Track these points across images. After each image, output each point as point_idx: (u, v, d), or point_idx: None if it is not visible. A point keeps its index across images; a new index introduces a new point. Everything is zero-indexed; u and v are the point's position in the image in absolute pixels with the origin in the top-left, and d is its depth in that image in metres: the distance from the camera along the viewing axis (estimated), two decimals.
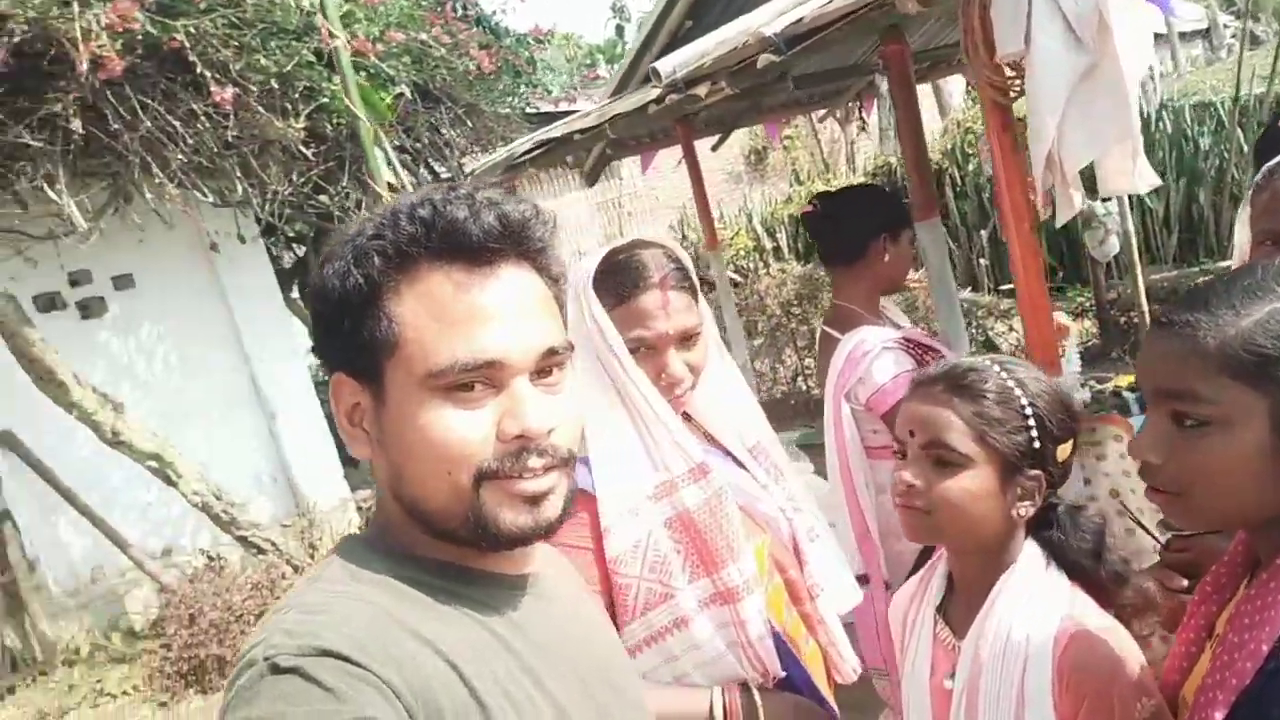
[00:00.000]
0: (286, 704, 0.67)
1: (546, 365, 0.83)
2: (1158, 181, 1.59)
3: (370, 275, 0.80)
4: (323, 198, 5.49)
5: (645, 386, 1.40)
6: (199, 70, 4.55)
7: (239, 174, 4.94)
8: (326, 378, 0.87)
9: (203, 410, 5.99)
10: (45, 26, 4.15)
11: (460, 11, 6.42)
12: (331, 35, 2.96)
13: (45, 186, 4.38)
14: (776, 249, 9.40)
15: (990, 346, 6.04)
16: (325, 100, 5.10)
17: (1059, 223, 1.69)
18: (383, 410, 0.81)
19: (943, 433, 1.23)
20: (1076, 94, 1.57)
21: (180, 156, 4.75)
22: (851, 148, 12.75)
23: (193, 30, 4.51)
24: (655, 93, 2.25)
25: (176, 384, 5.95)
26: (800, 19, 1.81)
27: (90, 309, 5.74)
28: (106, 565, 5.55)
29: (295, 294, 7.13)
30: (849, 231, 2.23)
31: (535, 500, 0.82)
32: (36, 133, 4.37)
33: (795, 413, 6.19)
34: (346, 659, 0.70)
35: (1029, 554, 1.25)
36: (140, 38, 4.35)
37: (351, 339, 0.81)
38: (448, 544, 0.84)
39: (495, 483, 0.80)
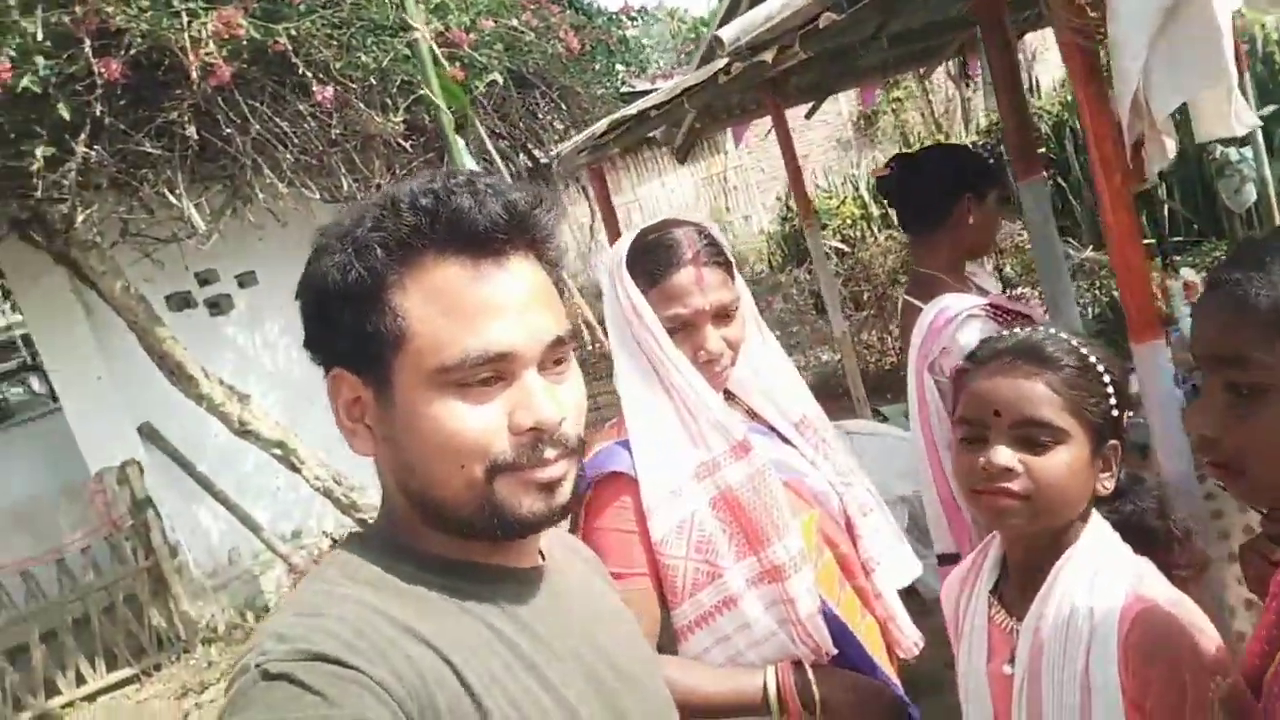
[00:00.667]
0: (278, 711, 0.67)
1: (554, 355, 0.83)
2: (1257, 122, 1.45)
3: (374, 268, 0.78)
4: None
5: (684, 366, 1.40)
6: (301, 71, 4.72)
7: (344, 170, 5.11)
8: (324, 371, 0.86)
9: (324, 399, 6.25)
10: (158, 38, 4.37)
11: None
12: (407, 28, 3.00)
13: (166, 191, 4.63)
14: (885, 216, 9.10)
15: (1114, 308, 5.70)
16: (422, 93, 5.21)
17: (1150, 174, 1.56)
18: (389, 405, 0.80)
19: (1037, 408, 1.17)
20: (1162, 32, 1.44)
21: (289, 156, 4.95)
22: (966, 105, 12.23)
23: (294, 33, 4.68)
24: (723, 63, 2.19)
25: (299, 375, 6.24)
26: None
27: (218, 306, 6.08)
28: (242, 548, 5.90)
29: None
30: (930, 194, 2.12)
31: (550, 488, 0.82)
32: (155, 140, 4.63)
33: (902, 384, 6.00)
34: (338, 661, 0.70)
35: (1094, 528, 1.19)
36: (245, 43, 4.54)
37: (353, 333, 0.79)
38: (455, 538, 0.83)
39: (510, 474, 0.80)
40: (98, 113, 4.31)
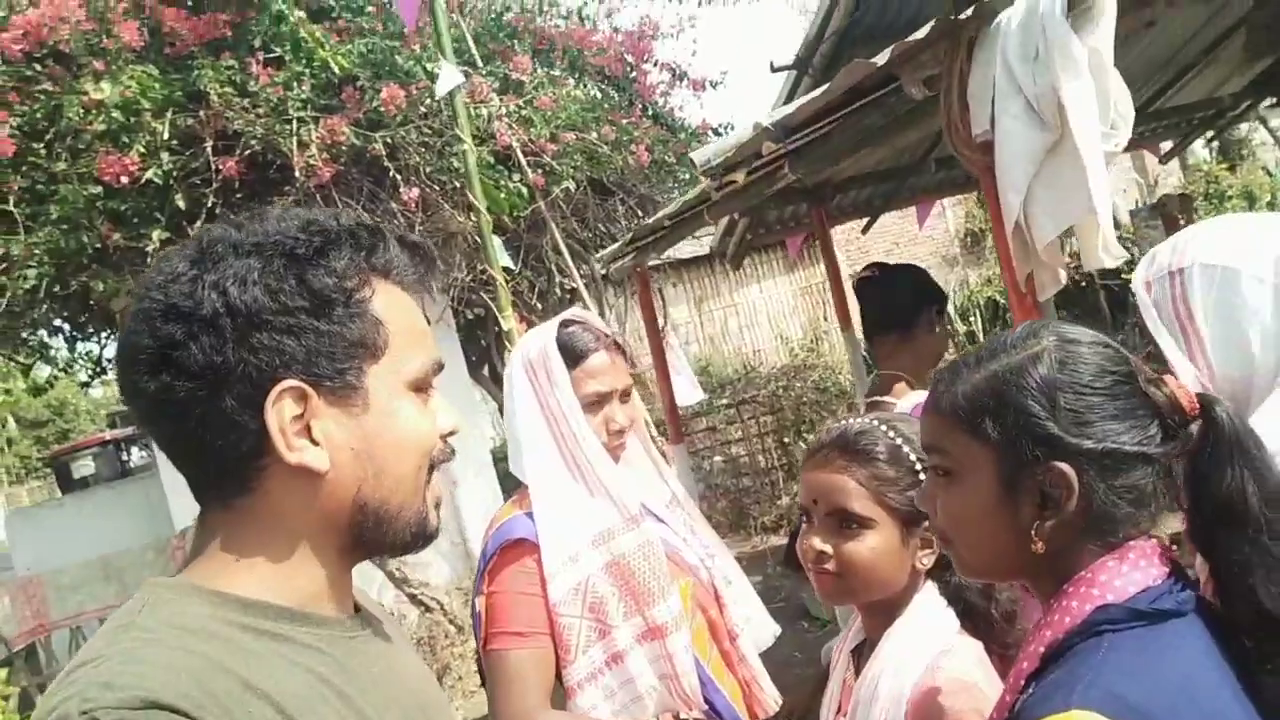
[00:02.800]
0: None
1: None
2: (1125, 255, 1.53)
3: (363, 278, 0.83)
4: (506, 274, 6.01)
5: (592, 444, 1.57)
6: (393, 174, 5.19)
7: None
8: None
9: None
10: (271, 141, 4.92)
11: (642, 109, 6.86)
12: (459, 139, 3.34)
13: None
14: (970, 333, 9.05)
15: None
16: (503, 197, 5.63)
17: (1040, 299, 1.65)
18: (360, 411, 0.82)
19: (843, 498, 1.30)
20: (1041, 171, 1.56)
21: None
22: None
23: (389, 140, 5.17)
24: (704, 184, 2.40)
25: None
26: (797, 108, 1.91)
27: None
28: None
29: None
30: (903, 300, 2.30)
31: (437, 506, 0.90)
32: None
33: None
34: (177, 710, 0.68)
35: (921, 599, 1.29)
36: (346, 148, 5.04)
37: (327, 340, 0.80)
38: (356, 555, 0.86)
39: (430, 478, 0.88)
40: (210, 203, 4.85)
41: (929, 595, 1.29)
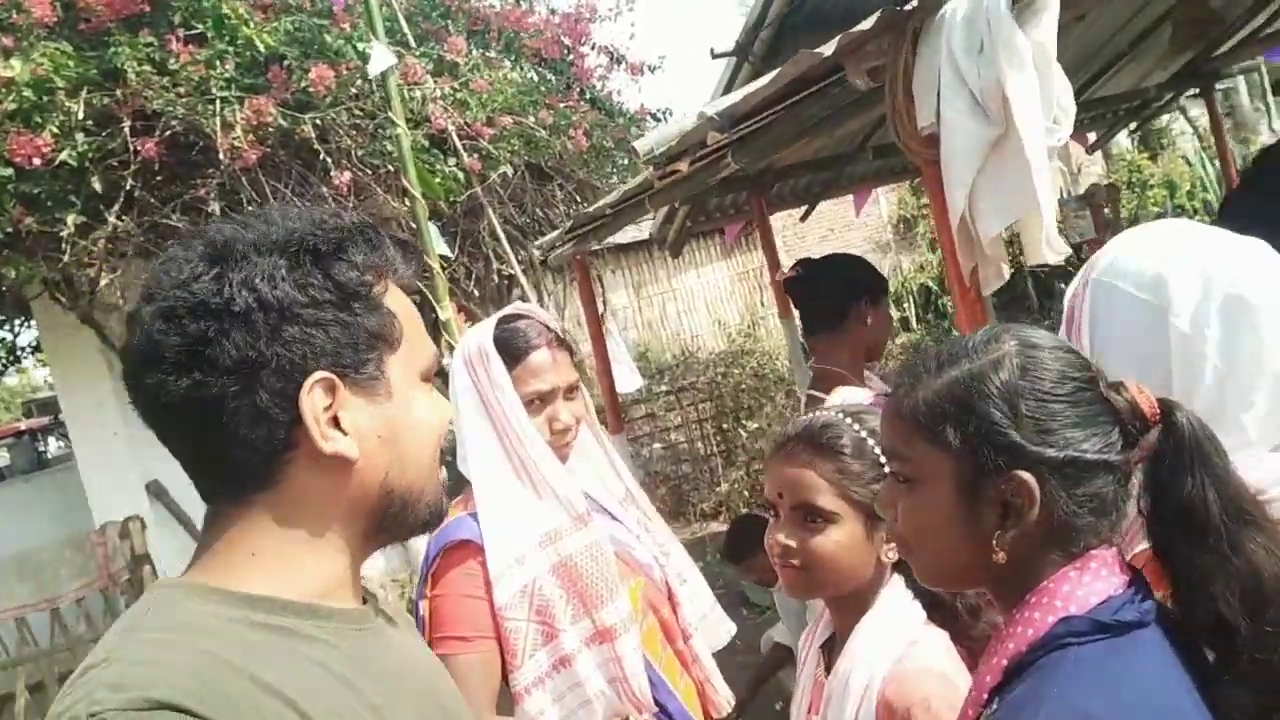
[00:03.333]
0: None
1: None
2: (1067, 251, 1.54)
3: (378, 273, 0.86)
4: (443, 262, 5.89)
5: (536, 444, 1.53)
6: (323, 157, 5.04)
7: None
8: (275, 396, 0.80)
9: None
10: (193, 122, 4.72)
11: (579, 93, 6.78)
12: (392, 122, 3.25)
13: None
14: (905, 319, 9.18)
15: None
16: (438, 181, 5.50)
17: (984, 293, 1.66)
18: (384, 399, 0.85)
19: (808, 493, 1.29)
20: (986, 166, 1.56)
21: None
22: None
23: (319, 122, 5.01)
24: (648, 171, 2.36)
25: None
26: (742, 97, 1.88)
27: None
28: None
29: None
30: (830, 296, 2.29)
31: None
32: (182, 215, 4.94)
33: None
34: (185, 710, 0.68)
35: (888, 594, 1.29)
36: (273, 130, 4.87)
37: (352, 332, 0.83)
38: (370, 541, 0.89)
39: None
40: (129, 186, 4.64)
41: (896, 588, 1.28)
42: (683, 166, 2.21)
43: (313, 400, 0.80)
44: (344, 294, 0.83)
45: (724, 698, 1.64)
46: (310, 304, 0.81)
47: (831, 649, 1.35)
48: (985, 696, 0.88)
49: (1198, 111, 10.98)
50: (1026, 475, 0.86)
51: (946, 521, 0.91)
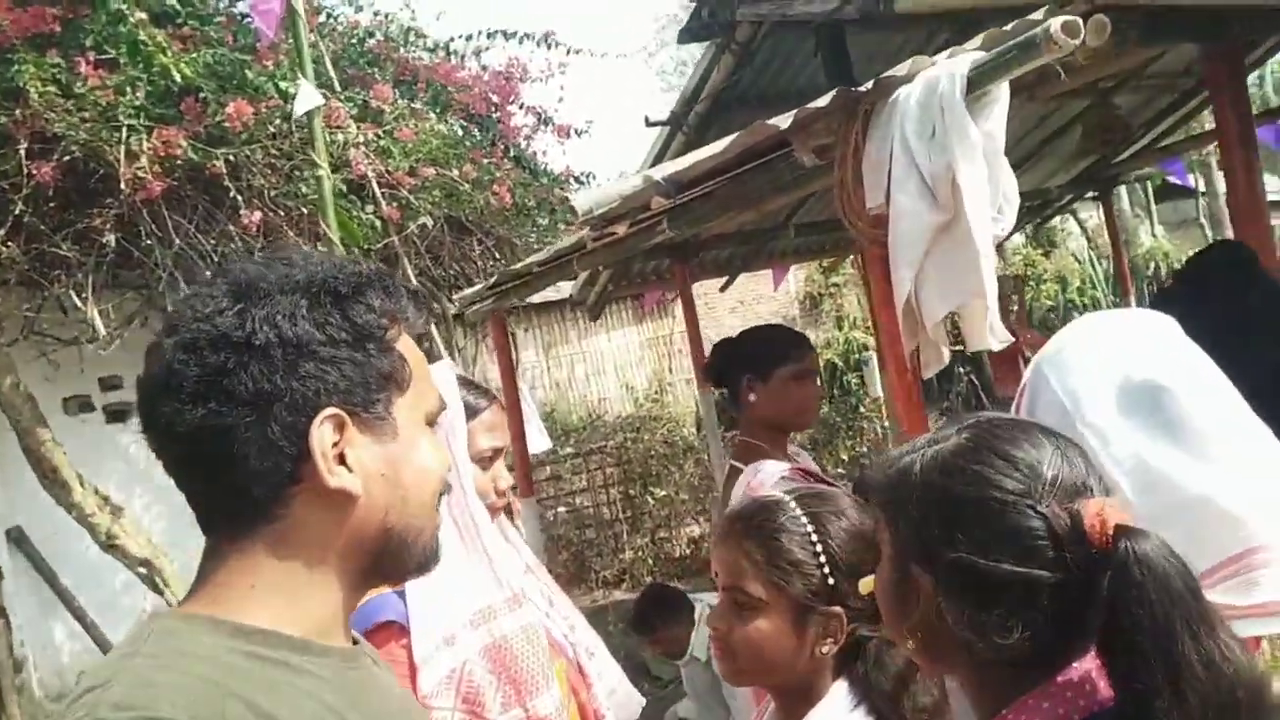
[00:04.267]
0: None
1: None
2: (1010, 339, 1.55)
3: (392, 318, 0.89)
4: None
5: (480, 509, 1.43)
6: (233, 194, 4.84)
7: None
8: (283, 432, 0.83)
9: None
10: (94, 148, 4.49)
11: (504, 150, 6.74)
12: (311, 163, 3.13)
13: (74, 295, 4.63)
14: None
15: None
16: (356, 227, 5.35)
17: (925, 375, 1.65)
18: (390, 439, 0.87)
19: (736, 577, 1.24)
20: (933, 250, 1.55)
21: (207, 274, 5.00)
22: None
23: (232, 158, 4.82)
24: (583, 233, 2.31)
25: None
26: (691, 164, 1.86)
27: (120, 415, 5.95)
28: None
29: None
30: (721, 376, 2.33)
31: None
32: (74, 244, 4.66)
33: None
34: None
35: (833, 695, 1.22)
36: (181, 163, 4.67)
37: (363, 371, 0.86)
38: (362, 585, 0.90)
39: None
40: (18, 210, 4.36)
41: (838, 695, 1.21)
42: (620, 229, 2.17)
43: (322, 435, 0.83)
44: (360, 335, 0.85)
45: None
46: (327, 342, 0.84)
47: None
48: None
49: (1086, 214, 11.66)
50: (919, 570, 0.89)
51: (886, 596, 0.95)
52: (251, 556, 0.84)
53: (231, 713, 0.74)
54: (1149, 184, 11.08)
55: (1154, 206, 11.81)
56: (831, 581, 1.22)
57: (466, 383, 1.54)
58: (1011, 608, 0.84)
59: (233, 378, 0.81)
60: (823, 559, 1.22)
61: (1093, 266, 10.56)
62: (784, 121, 1.66)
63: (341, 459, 0.84)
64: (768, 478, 2.08)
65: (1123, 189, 12.02)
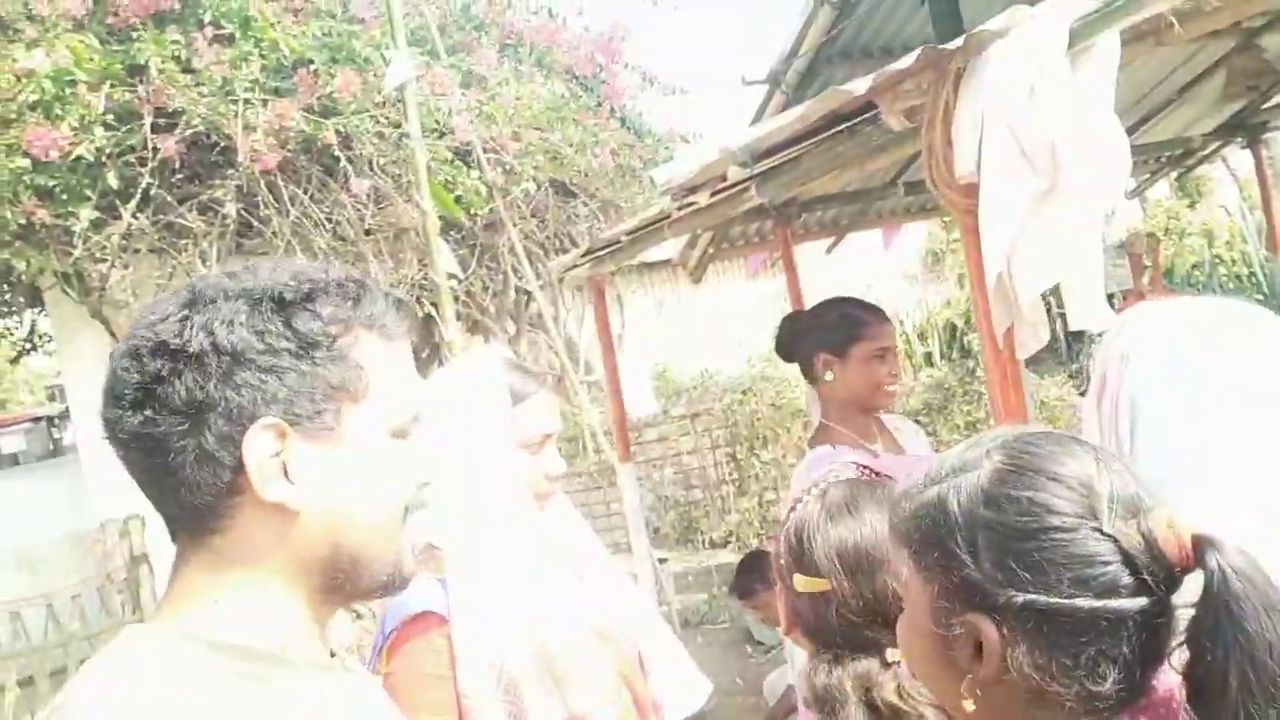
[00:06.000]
0: None
1: None
2: (1114, 319, 1.40)
3: (347, 325, 0.85)
4: (453, 280, 5.79)
5: (526, 497, 1.41)
6: (343, 163, 4.97)
7: (371, 257, 5.29)
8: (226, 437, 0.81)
9: None
10: (214, 122, 4.67)
11: (609, 111, 6.69)
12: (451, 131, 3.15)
13: (199, 263, 4.85)
14: (929, 355, 9.01)
15: None
16: (459, 194, 5.41)
17: (1021, 357, 1.52)
18: (336, 454, 0.84)
19: None
20: (1030, 221, 1.42)
21: (323, 241, 5.16)
22: None
23: (342, 129, 4.94)
24: (665, 201, 2.24)
25: None
26: (767, 132, 1.76)
27: None
28: None
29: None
30: (795, 355, 2.22)
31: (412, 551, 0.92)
32: (199, 214, 4.88)
33: None
34: None
35: None
36: (294, 134, 4.81)
37: (308, 381, 0.83)
38: (331, 602, 0.87)
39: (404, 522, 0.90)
40: (145, 183, 4.58)
41: None
42: (701, 199, 2.09)
43: (257, 445, 0.80)
44: (303, 343, 0.83)
45: None
46: (266, 350, 0.81)
47: None
48: None
49: (1238, 161, 10.76)
50: (979, 619, 0.77)
51: (924, 651, 0.84)
52: (207, 566, 0.83)
53: None
54: None
55: None
56: None
57: (515, 367, 1.51)
58: (1100, 646, 0.75)
59: (166, 385, 0.79)
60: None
61: (1243, 218, 9.75)
62: (860, 86, 1.55)
63: (286, 471, 0.81)
64: (810, 463, 2.02)
65: (1277, 135, 11.02)
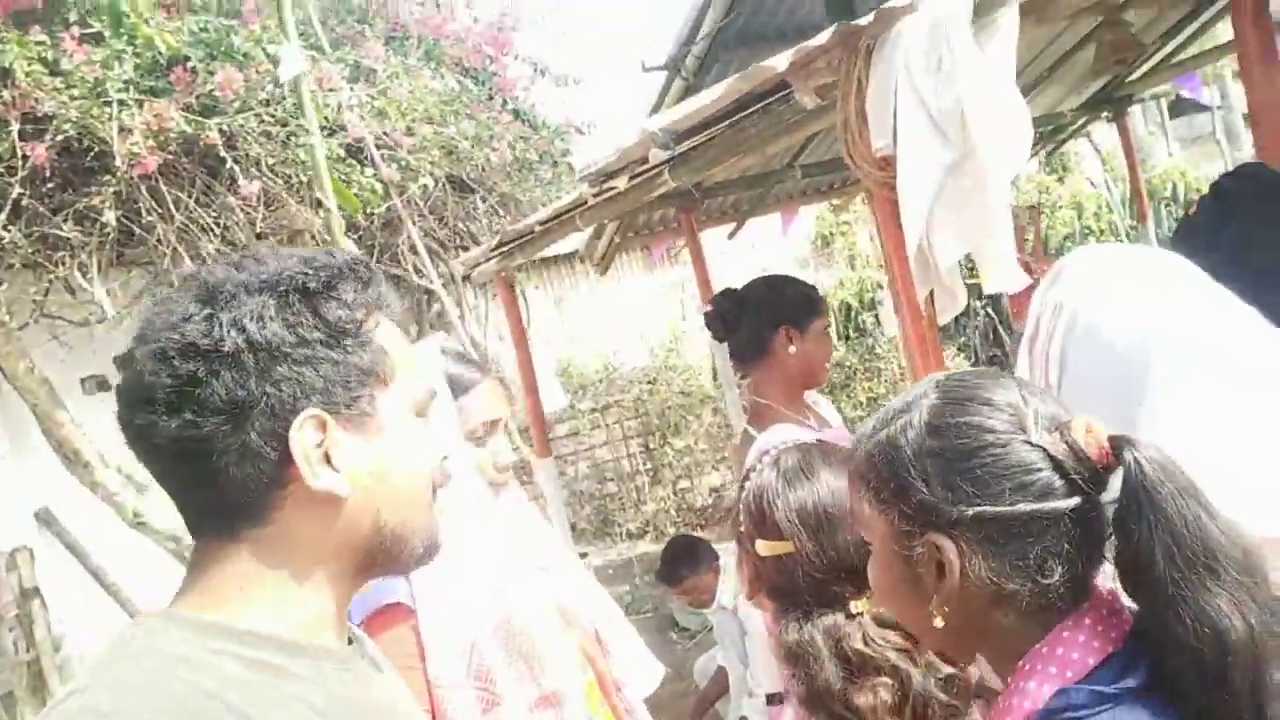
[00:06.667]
0: None
1: None
2: (1027, 280, 1.49)
3: (368, 310, 0.87)
4: None
5: (478, 486, 1.40)
6: (230, 165, 4.78)
7: None
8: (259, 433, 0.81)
9: None
10: (87, 126, 4.42)
11: (501, 104, 6.62)
12: (306, 130, 3.06)
13: (79, 275, 4.61)
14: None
15: None
16: (355, 193, 5.27)
17: (941, 321, 1.59)
18: (375, 436, 0.85)
19: None
20: (945, 190, 1.48)
21: (211, 247, 4.96)
22: None
23: (226, 128, 4.75)
24: (581, 189, 2.24)
25: None
26: (686, 114, 1.78)
27: None
28: None
29: None
30: (750, 326, 2.17)
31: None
32: (76, 225, 4.62)
33: None
34: None
35: None
36: (175, 135, 4.60)
37: (342, 370, 0.84)
38: (320, 595, 0.85)
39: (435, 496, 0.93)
40: (16, 194, 4.32)
41: None
42: (620, 183, 2.10)
43: (303, 438, 0.81)
44: (333, 331, 0.83)
45: None
46: (299, 343, 0.82)
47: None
48: None
49: (1100, 137, 11.38)
50: (939, 537, 0.85)
51: (892, 583, 0.91)
52: (240, 559, 0.83)
53: (213, 717, 0.73)
54: (1161, 101, 10.78)
55: (1167, 124, 11.52)
56: None
57: (457, 356, 1.50)
58: (1044, 544, 0.83)
59: (205, 387, 0.79)
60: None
61: (1109, 190, 10.33)
62: (781, 63, 1.58)
63: (328, 459, 0.82)
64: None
65: (1137, 108, 11.73)
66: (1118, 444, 0.83)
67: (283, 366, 0.81)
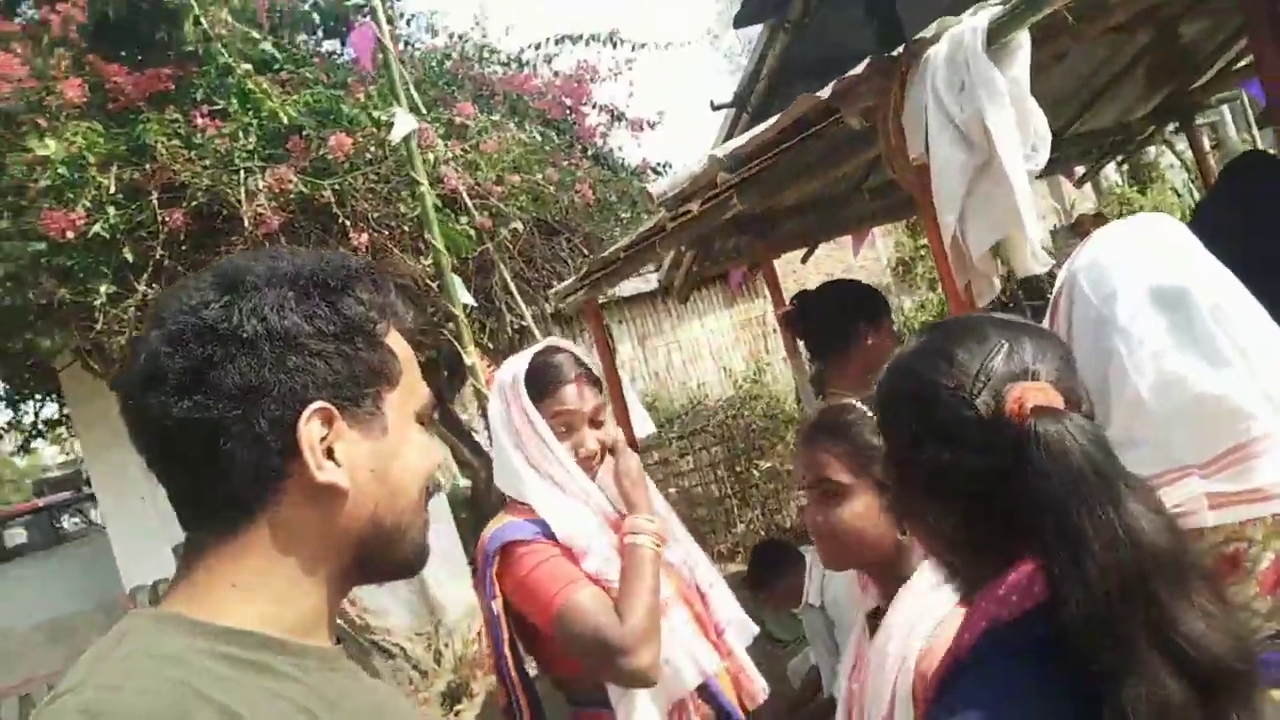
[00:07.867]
0: None
1: None
2: (1051, 262, 1.70)
3: (381, 312, 0.89)
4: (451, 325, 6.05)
5: (567, 460, 1.69)
6: (342, 220, 5.25)
7: None
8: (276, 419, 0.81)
9: None
10: (217, 192, 4.94)
11: (582, 150, 7.02)
12: (408, 184, 3.44)
13: None
14: None
15: None
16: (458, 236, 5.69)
17: (979, 304, 1.81)
18: (379, 435, 0.87)
19: (821, 469, 1.43)
20: (972, 189, 1.72)
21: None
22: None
23: (337, 187, 5.23)
24: (659, 215, 2.53)
25: None
26: (747, 139, 2.06)
27: None
28: None
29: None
30: (829, 320, 2.40)
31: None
32: None
33: None
34: None
35: (920, 572, 1.38)
36: (294, 196, 5.09)
37: (353, 367, 0.85)
38: (312, 592, 0.86)
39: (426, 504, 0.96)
40: (158, 255, 4.84)
41: (925, 572, 1.36)
42: (694, 207, 2.38)
43: (310, 429, 0.82)
44: (349, 328, 0.85)
45: (759, 686, 1.76)
46: (316, 335, 0.83)
47: (876, 619, 1.45)
48: (935, 683, 0.92)
49: (1184, 145, 11.23)
50: (889, 477, 0.99)
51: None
52: (234, 554, 0.83)
53: (199, 717, 0.72)
54: (1245, 106, 10.60)
55: (1255, 129, 11.31)
56: None
57: (557, 352, 1.79)
58: (956, 497, 0.89)
59: (219, 370, 0.79)
60: None
61: (1192, 198, 10.19)
62: (825, 92, 1.86)
63: (330, 453, 0.83)
64: None
65: (1227, 113, 11.50)
66: (1040, 410, 0.83)
67: (297, 357, 0.81)
